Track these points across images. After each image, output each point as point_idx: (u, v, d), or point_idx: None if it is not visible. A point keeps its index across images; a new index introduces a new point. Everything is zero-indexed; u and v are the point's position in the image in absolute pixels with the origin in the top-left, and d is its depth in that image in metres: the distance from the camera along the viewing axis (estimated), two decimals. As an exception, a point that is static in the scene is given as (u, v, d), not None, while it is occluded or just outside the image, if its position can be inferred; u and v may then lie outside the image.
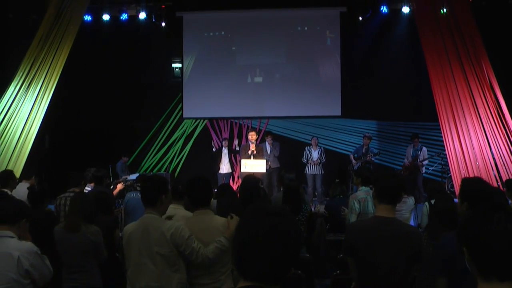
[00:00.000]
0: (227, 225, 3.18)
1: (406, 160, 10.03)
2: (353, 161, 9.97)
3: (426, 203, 5.34)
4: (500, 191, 5.92)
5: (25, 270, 2.85)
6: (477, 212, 1.49)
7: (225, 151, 10.43)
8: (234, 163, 10.88)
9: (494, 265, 1.42)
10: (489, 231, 1.42)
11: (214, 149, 10.58)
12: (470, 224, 1.48)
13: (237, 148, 10.61)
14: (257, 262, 1.40)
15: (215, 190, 6.66)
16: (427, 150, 9.95)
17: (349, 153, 10.72)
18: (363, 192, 5.16)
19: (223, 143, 10.66)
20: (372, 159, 9.84)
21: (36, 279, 2.93)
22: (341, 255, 4.48)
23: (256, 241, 1.39)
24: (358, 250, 2.77)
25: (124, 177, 9.30)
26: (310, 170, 10.00)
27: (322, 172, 10.01)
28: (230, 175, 10.65)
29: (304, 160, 10.09)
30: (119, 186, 7.05)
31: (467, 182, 2.97)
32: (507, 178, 8.20)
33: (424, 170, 9.94)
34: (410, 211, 5.30)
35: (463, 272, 2.44)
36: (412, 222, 5.88)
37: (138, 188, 5.91)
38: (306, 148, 10.23)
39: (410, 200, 5.34)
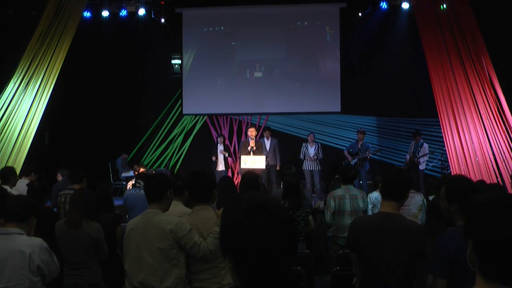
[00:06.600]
0: (217, 215, 3.21)
1: (407, 156, 10.03)
2: (349, 157, 9.93)
3: (424, 200, 5.33)
4: (500, 185, 5.95)
5: (37, 266, 2.88)
6: (487, 200, 1.29)
7: (220, 148, 10.37)
8: (230, 160, 10.77)
9: (499, 265, 1.21)
10: (504, 222, 1.21)
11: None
12: (483, 211, 1.27)
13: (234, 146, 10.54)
14: (248, 264, 1.22)
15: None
16: (428, 147, 9.91)
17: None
18: (341, 190, 5.15)
19: (218, 139, 10.54)
20: (371, 156, 9.81)
21: (46, 275, 2.96)
22: (341, 251, 4.49)
23: (247, 243, 1.21)
24: (361, 246, 2.77)
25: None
26: (307, 166, 10.01)
27: (320, 168, 10.01)
28: (226, 173, 10.59)
29: (301, 156, 10.10)
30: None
31: (451, 181, 2.74)
32: (507, 173, 8.23)
33: (423, 166, 9.87)
34: (418, 207, 5.23)
35: (465, 273, 2.32)
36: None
37: (138, 185, 5.89)
38: (303, 144, 10.22)
39: (418, 197, 5.29)
